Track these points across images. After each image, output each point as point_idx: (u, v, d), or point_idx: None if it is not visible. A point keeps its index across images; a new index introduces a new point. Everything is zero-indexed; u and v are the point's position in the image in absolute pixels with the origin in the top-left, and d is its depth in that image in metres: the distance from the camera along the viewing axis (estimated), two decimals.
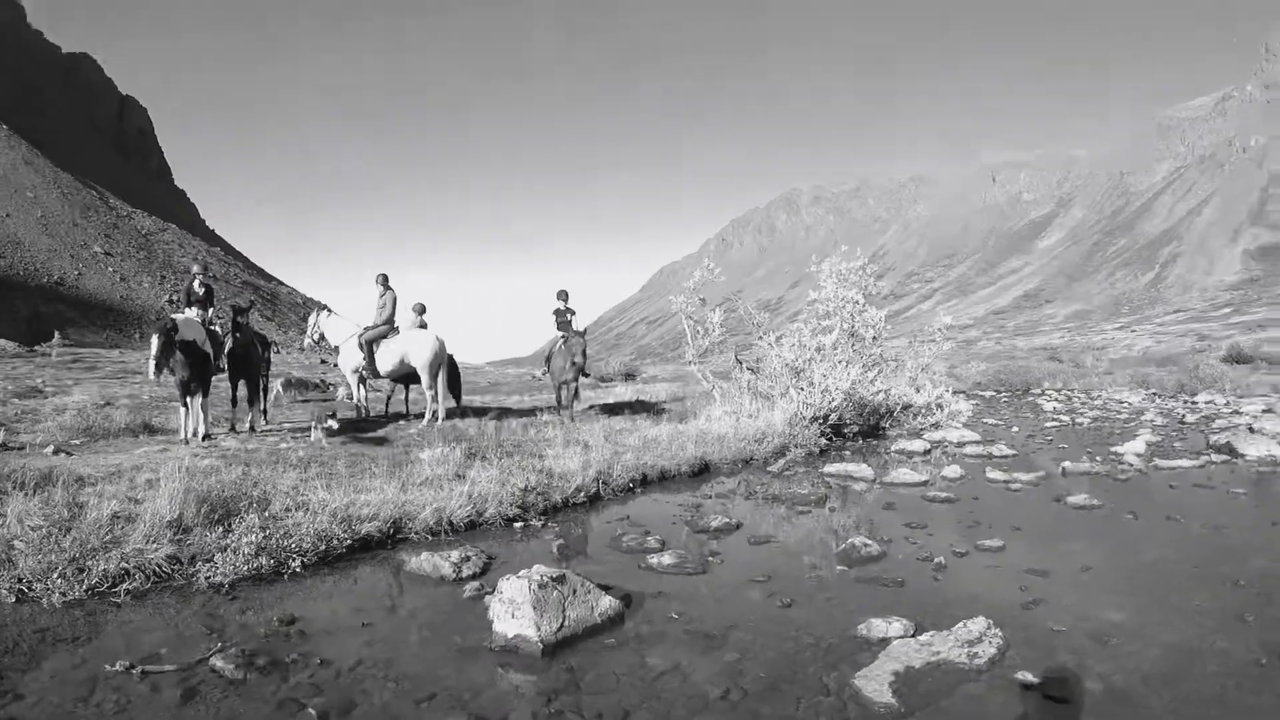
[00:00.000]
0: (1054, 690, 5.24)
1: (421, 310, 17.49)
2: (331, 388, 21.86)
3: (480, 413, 17.64)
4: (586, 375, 18.35)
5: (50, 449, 12.10)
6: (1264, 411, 23.21)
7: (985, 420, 21.41)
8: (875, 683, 5.30)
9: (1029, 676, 5.40)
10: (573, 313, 18.11)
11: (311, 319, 16.83)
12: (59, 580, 6.89)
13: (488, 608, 6.52)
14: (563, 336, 17.79)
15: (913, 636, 6.01)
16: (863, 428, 18.78)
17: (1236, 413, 25.04)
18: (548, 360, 18.28)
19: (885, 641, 6.00)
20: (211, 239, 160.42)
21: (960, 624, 6.02)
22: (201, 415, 13.49)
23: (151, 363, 12.39)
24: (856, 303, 19.69)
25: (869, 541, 8.70)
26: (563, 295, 18.03)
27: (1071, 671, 5.52)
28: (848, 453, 16.17)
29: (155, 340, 12.45)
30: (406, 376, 16.84)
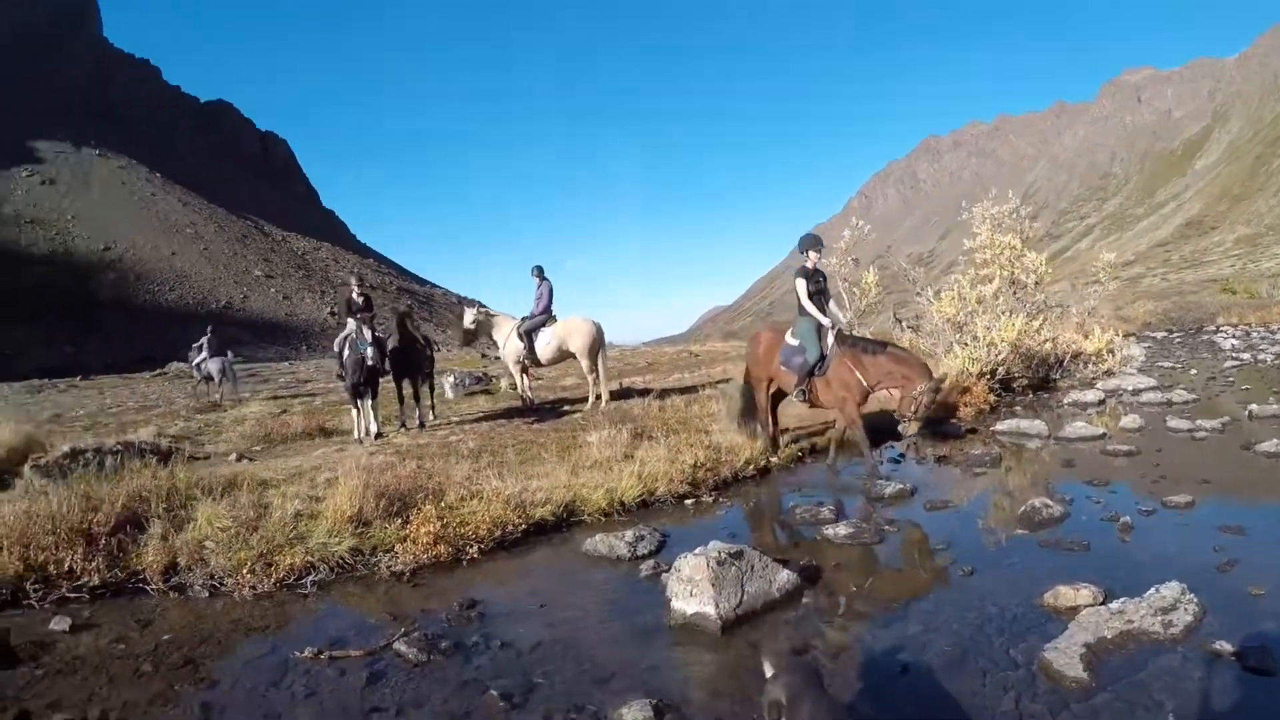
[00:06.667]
0: (1255, 661, 4.88)
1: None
2: (494, 380, 22.25)
3: (643, 393, 17.59)
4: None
5: (233, 456, 12.68)
6: None
7: (1160, 364, 20.32)
8: (1065, 655, 5.06)
9: (1227, 646, 5.06)
10: (824, 278, 11.37)
11: (468, 314, 17.07)
12: (248, 575, 7.25)
13: (665, 586, 6.49)
14: (813, 321, 10.97)
15: (1102, 604, 5.71)
16: (1032, 380, 17.97)
17: None
18: (798, 351, 11.07)
19: (1074, 610, 5.72)
20: (365, 252, 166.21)
21: (1152, 590, 5.65)
22: (373, 415, 14.02)
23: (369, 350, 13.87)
24: (1014, 248, 18.90)
25: (1049, 503, 8.32)
26: (814, 243, 11.17)
27: (1274, 639, 5.12)
28: (1018, 408, 15.52)
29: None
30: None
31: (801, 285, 11.03)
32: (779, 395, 11.79)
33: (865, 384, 10.49)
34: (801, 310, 11.07)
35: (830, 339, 10.79)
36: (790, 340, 11.19)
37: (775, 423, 12.05)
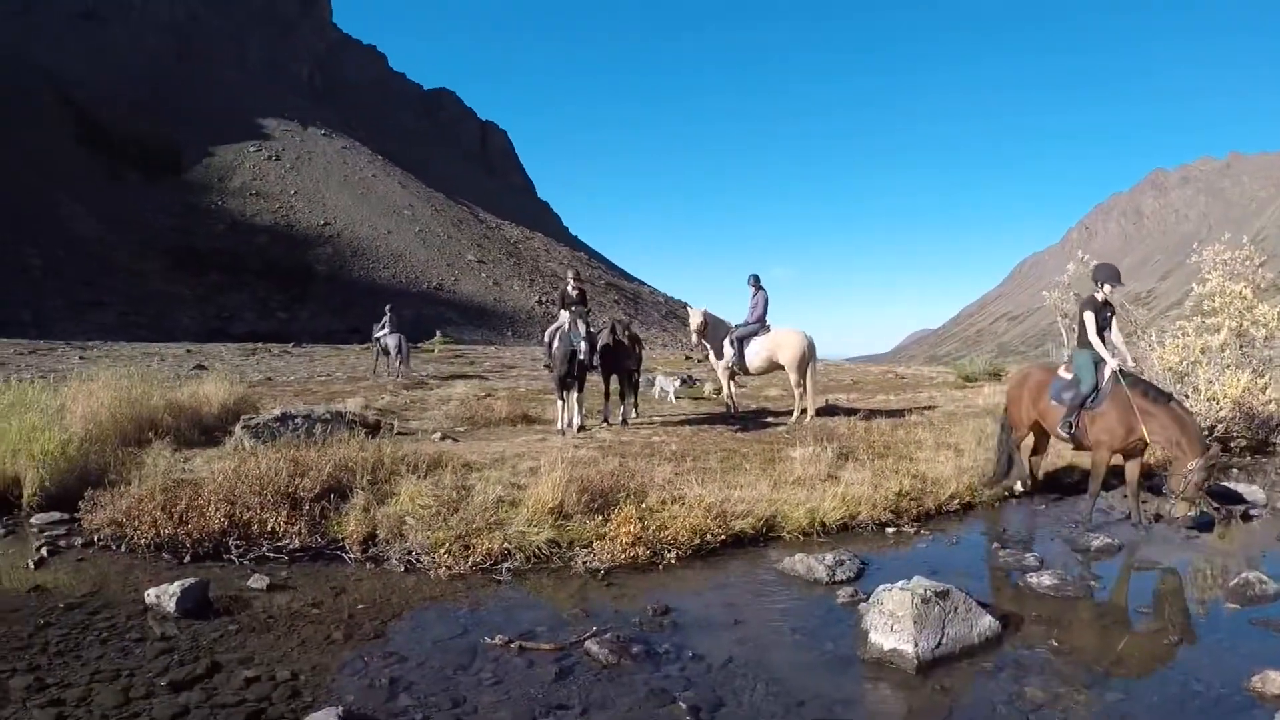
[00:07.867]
0: None
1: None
2: (698, 383, 22.49)
3: (848, 412, 17.27)
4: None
5: (438, 435, 13.15)
6: None
7: None
8: None
9: None
10: (1112, 311, 10.68)
11: (694, 316, 17.02)
12: (445, 555, 7.46)
13: (862, 616, 6.30)
14: (1093, 353, 10.33)
15: None
16: (1251, 442, 16.66)
17: None
18: (1071, 384, 10.51)
19: None
20: (576, 245, 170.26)
21: None
22: (577, 408, 14.33)
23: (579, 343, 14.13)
24: (1245, 298, 17.56)
25: (1264, 579, 7.62)
26: (1111, 275, 10.54)
27: None
28: (1234, 470, 14.42)
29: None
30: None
31: (1090, 318, 10.30)
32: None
33: (1140, 433, 9.72)
34: (1083, 343, 10.42)
35: (1108, 372, 10.11)
36: (1064, 374, 10.69)
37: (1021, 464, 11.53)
